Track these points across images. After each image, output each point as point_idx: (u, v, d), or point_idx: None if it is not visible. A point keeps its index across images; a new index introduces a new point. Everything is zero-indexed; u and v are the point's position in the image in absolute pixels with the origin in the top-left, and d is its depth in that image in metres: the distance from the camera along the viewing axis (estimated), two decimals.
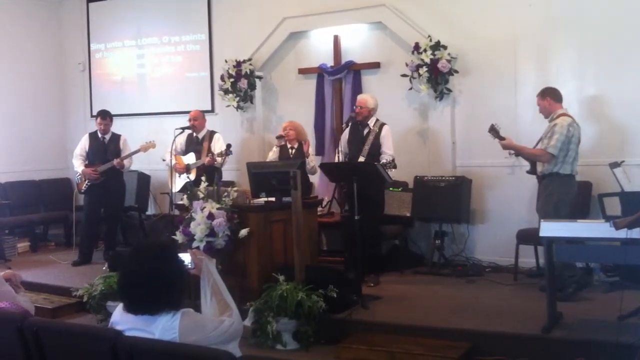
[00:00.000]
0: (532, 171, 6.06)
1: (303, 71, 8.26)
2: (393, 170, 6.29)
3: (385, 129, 6.62)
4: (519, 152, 6.14)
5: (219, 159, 7.30)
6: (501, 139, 6.04)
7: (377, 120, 6.68)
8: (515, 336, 4.88)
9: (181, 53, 9.22)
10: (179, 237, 5.83)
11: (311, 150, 7.23)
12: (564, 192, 5.77)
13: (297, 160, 6.62)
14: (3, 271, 3.79)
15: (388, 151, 6.51)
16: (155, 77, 9.46)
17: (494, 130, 6.04)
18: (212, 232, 5.61)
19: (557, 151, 5.70)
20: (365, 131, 6.64)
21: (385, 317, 5.44)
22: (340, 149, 6.77)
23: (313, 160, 7.07)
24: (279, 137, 7.18)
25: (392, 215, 7.16)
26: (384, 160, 6.36)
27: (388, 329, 5.21)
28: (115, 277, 5.33)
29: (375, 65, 7.80)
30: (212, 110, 8.74)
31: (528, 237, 6.34)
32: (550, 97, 5.92)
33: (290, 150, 7.12)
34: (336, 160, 6.84)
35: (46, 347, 2.99)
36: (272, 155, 7.21)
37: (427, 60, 7.15)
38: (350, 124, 6.74)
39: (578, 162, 5.86)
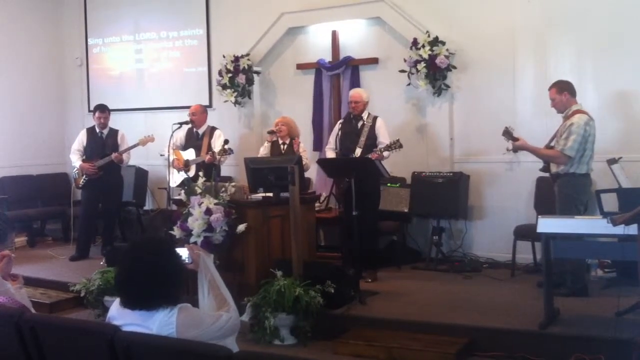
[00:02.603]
0: (546, 169, 5.93)
1: (301, 66, 8.25)
2: (399, 150, 6.31)
3: (379, 120, 6.66)
4: (534, 153, 5.92)
5: (219, 157, 7.25)
6: (515, 140, 5.87)
7: (370, 113, 6.72)
8: (513, 332, 4.89)
9: (179, 48, 9.20)
10: (176, 232, 5.83)
11: (303, 146, 7.17)
12: (582, 193, 5.66)
13: (289, 157, 6.61)
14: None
15: (385, 141, 6.52)
16: (153, 72, 9.45)
17: (507, 133, 5.87)
18: (209, 228, 5.61)
19: (574, 152, 5.54)
20: (360, 124, 6.67)
21: (382, 312, 5.44)
22: (332, 146, 6.79)
23: (306, 158, 7.03)
24: (271, 132, 7.17)
25: (390, 211, 7.17)
26: (387, 141, 6.37)
27: (385, 324, 5.22)
28: (113, 272, 5.35)
29: (374, 61, 7.79)
30: (210, 106, 8.72)
31: (526, 233, 6.35)
32: (568, 92, 5.73)
33: (282, 147, 7.10)
34: (327, 156, 6.86)
35: (43, 342, 2.99)
36: (263, 150, 7.20)
37: (426, 56, 7.14)
38: (342, 120, 6.81)
39: (593, 159, 5.72)
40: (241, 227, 5.67)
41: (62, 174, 9.82)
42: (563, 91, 5.75)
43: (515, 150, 6.13)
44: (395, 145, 6.34)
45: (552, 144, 5.80)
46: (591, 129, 5.62)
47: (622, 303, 4.83)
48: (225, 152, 7.10)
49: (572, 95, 5.76)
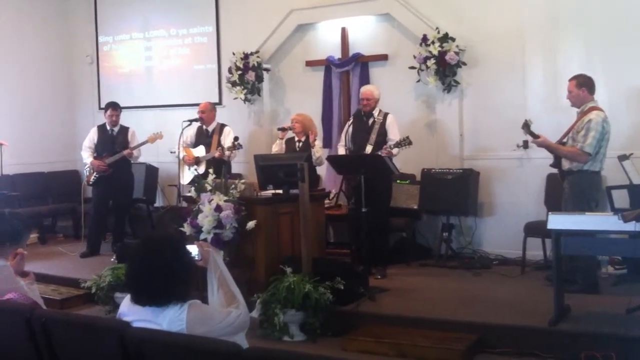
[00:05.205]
0: (556, 164, 5.87)
1: (310, 63, 8.25)
2: (409, 147, 6.31)
3: (389, 117, 6.65)
4: (554, 151, 5.80)
5: (227, 153, 7.28)
6: (535, 137, 5.75)
7: (381, 110, 6.71)
8: (522, 329, 4.87)
9: (189, 45, 9.22)
10: (186, 229, 5.85)
11: (318, 142, 7.21)
12: (595, 190, 5.63)
13: (298, 154, 6.62)
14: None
15: (395, 138, 6.52)
16: (163, 70, 9.48)
17: (526, 126, 5.76)
18: (219, 224, 5.62)
19: (592, 149, 5.48)
20: (370, 121, 6.66)
21: (392, 309, 5.44)
22: (342, 143, 6.79)
23: (319, 151, 7.04)
24: (282, 129, 7.17)
25: (400, 208, 7.16)
26: (398, 138, 6.37)
27: (395, 321, 5.22)
28: (123, 268, 5.37)
29: (383, 58, 7.78)
30: (220, 103, 8.74)
31: (536, 229, 6.33)
32: (586, 87, 5.65)
33: (297, 144, 7.10)
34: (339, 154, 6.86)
35: (54, 338, 3.01)
36: (276, 147, 7.21)
37: (435, 52, 7.12)
38: (353, 117, 6.81)
39: (606, 157, 5.66)
40: (251, 224, 5.68)
41: (73, 171, 9.87)
42: (582, 86, 5.67)
43: (526, 147, 6.08)
44: (404, 142, 6.34)
45: (565, 140, 5.76)
46: (608, 126, 5.57)
47: (633, 300, 4.81)
48: (234, 147, 7.13)
49: (590, 92, 5.69)
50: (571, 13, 6.79)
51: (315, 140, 7.07)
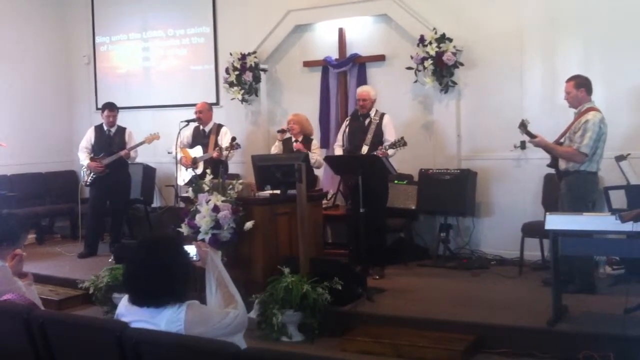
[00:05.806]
0: (553, 164, 5.88)
1: (308, 64, 8.25)
2: (403, 147, 6.33)
3: (386, 117, 6.66)
4: (551, 151, 5.81)
5: (225, 153, 7.27)
6: (532, 137, 5.75)
7: (377, 110, 6.72)
8: (520, 329, 4.88)
9: (186, 46, 9.22)
10: (184, 229, 5.85)
11: (315, 143, 7.21)
12: (591, 190, 5.63)
13: (295, 154, 6.62)
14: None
15: (390, 139, 6.53)
16: (160, 70, 9.47)
17: (523, 126, 5.75)
18: (217, 225, 5.62)
19: (589, 150, 5.49)
20: (367, 121, 6.66)
21: (390, 309, 5.44)
22: (340, 143, 6.79)
23: (317, 154, 7.04)
24: (281, 131, 7.17)
25: (397, 208, 7.17)
26: (394, 139, 6.37)
27: (393, 321, 5.22)
28: (121, 269, 5.37)
29: (380, 58, 7.78)
30: (217, 103, 8.74)
31: (533, 230, 6.33)
32: (584, 88, 5.66)
33: (294, 144, 7.10)
34: (335, 154, 6.86)
35: (52, 338, 3.00)
36: (274, 149, 7.21)
37: (433, 52, 7.12)
38: (350, 117, 6.82)
39: (603, 158, 5.67)
40: (248, 225, 5.69)
41: (70, 172, 9.86)
42: (580, 87, 5.68)
43: (524, 147, 6.09)
44: (399, 143, 6.34)
45: (562, 140, 5.77)
46: (605, 127, 5.57)
47: (630, 300, 4.81)
48: (232, 147, 7.12)
49: (588, 93, 5.70)
50: (570, 13, 6.79)
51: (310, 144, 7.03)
